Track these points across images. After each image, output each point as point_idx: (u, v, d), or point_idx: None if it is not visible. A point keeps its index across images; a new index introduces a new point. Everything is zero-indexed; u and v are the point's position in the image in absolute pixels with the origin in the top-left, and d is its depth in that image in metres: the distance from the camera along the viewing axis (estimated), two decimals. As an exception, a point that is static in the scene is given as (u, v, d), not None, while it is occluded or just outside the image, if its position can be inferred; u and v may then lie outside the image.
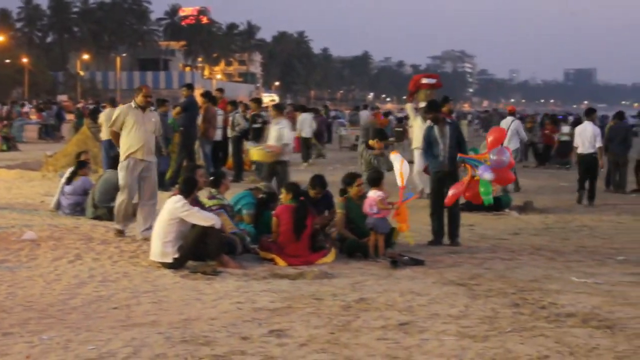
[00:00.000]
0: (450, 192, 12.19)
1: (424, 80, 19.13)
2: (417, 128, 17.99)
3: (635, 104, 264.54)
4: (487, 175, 11.65)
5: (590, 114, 19.94)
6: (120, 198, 12.45)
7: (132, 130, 12.25)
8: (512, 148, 20.32)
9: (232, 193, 12.93)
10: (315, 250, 11.28)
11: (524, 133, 23.79)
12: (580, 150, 19.08)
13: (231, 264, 10.56)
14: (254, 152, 16.54)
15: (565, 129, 31.14)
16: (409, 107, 19.41)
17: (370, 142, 13.50)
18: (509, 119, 23.11)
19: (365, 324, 7.85)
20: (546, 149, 31.85)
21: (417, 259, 11.16)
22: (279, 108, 17.16)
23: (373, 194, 11.53)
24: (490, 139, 11.85)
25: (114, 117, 12.53)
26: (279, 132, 15.83)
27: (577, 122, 27.73)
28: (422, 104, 17.30)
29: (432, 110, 13.09)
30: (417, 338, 7.35)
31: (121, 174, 12.36)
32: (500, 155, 11.86)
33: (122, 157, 12.38)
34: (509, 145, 19.37)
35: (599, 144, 18.82)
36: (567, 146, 28.14)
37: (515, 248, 12.53)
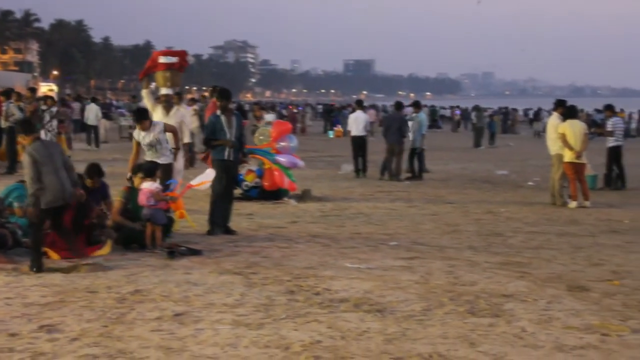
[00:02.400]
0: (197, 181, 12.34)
1: (162, 60, 14.81)
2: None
3: (412, 94, 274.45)
4: (282, 159, 11.90)
5: (360, 104, 26.12)
6: None
7: None
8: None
9: (4, 185, 12.43)
10: (91, 244, 11.01)
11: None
12: (353, 134, 24.09)
13: (1, 259, 10.15)
14: None
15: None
16: (145, 94, 15.05)
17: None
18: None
19: (139, 315, 7.75)
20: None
21: (194, 249, 11.11)
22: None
23: (148, 185, 11.39)
24: (275, 130, 12.10)
25: None
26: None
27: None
28: (164, 91, 14.61)
29: (224, 99, 13.08)
30: (192, 328, 7.33)
31: None
32: (287, 142, 12.17)
33: None
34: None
35: (368, 128, 24.74)
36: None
37: (292, 236, 12.70)
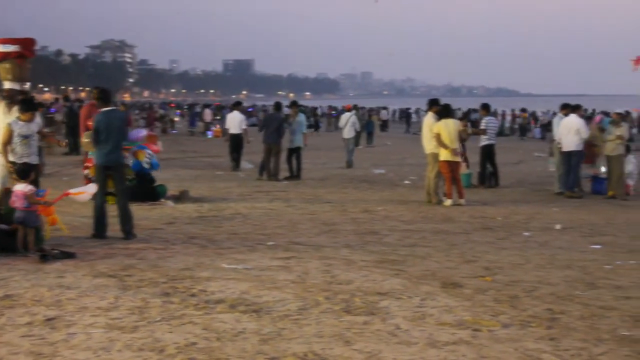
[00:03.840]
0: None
1: None
2: None
3: (291, 94, 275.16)
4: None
5: (237, 104, 27.65)
6: None
7: None
8: (348, 137, 28.93)
9: None
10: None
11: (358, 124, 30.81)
12: (231, 132, 26.24)
13: None
14: None
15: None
16: None
17: None
18: (348, 114, 29.91)
19: (9, 321, 7.53)
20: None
21: (67, 252, 10.86)
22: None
23: (21, 188, 11.09)
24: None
25: None
26: None
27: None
28: (7, 85, 12.69)
29: (101, 100, 12.78)
30: (64, 332, 7.16)
31: None
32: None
33: None
34: (346, 135, 28.92)
35: (244, 126, 26.11)
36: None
37: (169, 237, 12.56)
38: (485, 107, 23.16)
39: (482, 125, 22.24)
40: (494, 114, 44.18)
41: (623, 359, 6.75)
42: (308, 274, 9.89)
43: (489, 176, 21.76)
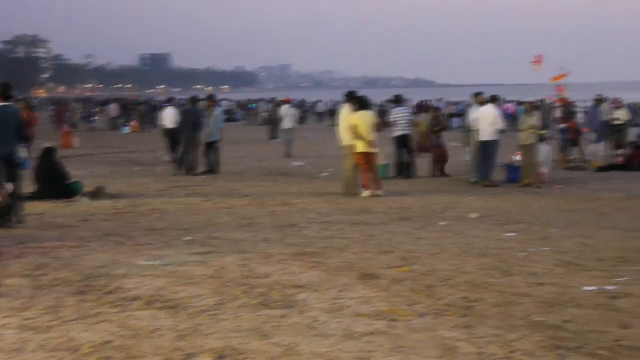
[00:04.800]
0: None
1: None
2: None
3: (209, 88, 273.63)
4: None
5: (170, 100, 28.68)
6: None
7: None
8: (288, 127, 31.35)
9: None
10: None
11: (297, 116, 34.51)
12: (168, 127, 26.12)
13: None
14: None
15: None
16: None
17: None
18: (287, 106, 32.96)
19: None
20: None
21: (-21, 252, 10.63)
22: None
23: None
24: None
25: None
26: None
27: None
28: None
29: (3, 93, 12.70)
30: (-25, 336, 7.01)
31: None
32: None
33: None
34: (286, 126, 31.37)
35: (174, 121, 25.62)
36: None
37: (84, 235, 12.37)
38: (397, 99, 23.34)
39: (393, 117, 22.42)
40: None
41: (536, 344, 6.86)
42: (226, 269, 9.85)
43: (405, 167, 21.92)
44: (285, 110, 32.97)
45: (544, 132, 21.83)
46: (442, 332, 7.17)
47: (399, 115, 22.22)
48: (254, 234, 12.62)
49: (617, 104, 28.60)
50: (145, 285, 8.89)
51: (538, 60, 28.11)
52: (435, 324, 7.45)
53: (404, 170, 21.82)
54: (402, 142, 21.77)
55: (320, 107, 69.96)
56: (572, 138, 25.99)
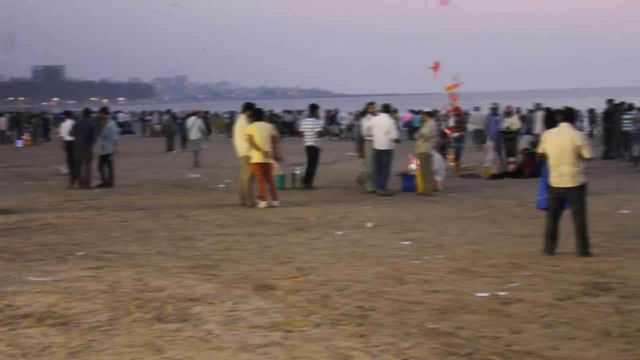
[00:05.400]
0: None
1: None
2: None
3: (105, 100, 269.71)
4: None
5: (68, 113, 26.63)
6: None
7: None
8: (194, 138, 32.18)
9: None
10: None
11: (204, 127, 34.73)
12: (66, 139, 23.91)
13: None
14: None
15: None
16: None
17: None
18: (194, 117, 33.82)
19: None
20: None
21: None
22: None
23: None
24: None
25: None
26: None
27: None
28: None
29: None
30: None
31: None
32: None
33: None
34: (193, 136, 32.33)
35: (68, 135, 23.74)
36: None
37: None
38: (313, 108, 23.13)
39: (302, 127, 22.45)
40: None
41: (429, 351, 6.95)
42: (119, 283, 9.72)
43: (306, 177, 21.86)
44: (191, 121, 33.45)
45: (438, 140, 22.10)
46: (337, 341, 7.20)
47: (307, 125, 22.21)
48: (148, 248, 12.48)
49: (509, 111, 29.23)
50: (36, 302, 8.70)
51: (435, 66, 28.60)
52: (331, 333, 7.47)
53: (308, 180, 21.62)
54: (308, 152, 21.72)
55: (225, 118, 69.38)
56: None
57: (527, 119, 38.17)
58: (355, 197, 19.62)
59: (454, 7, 30.56)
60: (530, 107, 42.02)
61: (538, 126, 31.84)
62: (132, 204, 18.51)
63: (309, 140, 21.81)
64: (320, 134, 22.17)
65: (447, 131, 26.94)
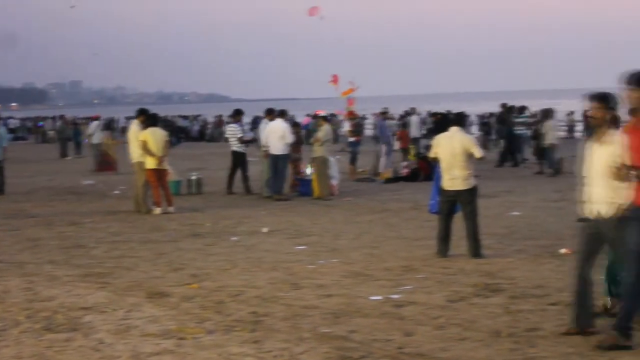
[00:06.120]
0: None
1: None
2: None
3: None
4: None
5: None
6: None
7: None
8: (97, 142, 31.79)
9: None
10: None
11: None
12: None
13: None
14: None
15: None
16: None
17: None
18: (95, 122, 34.32)
19: None
20: None
21: None
22: None
23: None
24: None
25: None
26: None
27: None
28: None
29: None
30: None
31: None
32: None
33: None
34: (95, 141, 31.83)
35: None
36: None
37: None
38: (236, 113, 22.83)
39: (227, 133, 22.41)
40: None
41: (322, 356, 6.98)
42: (8, 293, 9.52)
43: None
44: (94, 126, 33.91)
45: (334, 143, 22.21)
46: (230, 347, 7.18)
47: (230, 131, 22.10)
48: (39, 256, 12.24)
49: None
50: None
51: (334, 80, 28.92)
52: (224, 340, 7.44)
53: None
54: (233, 157, 21.45)
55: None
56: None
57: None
58: (251, 203, 19.58)
59: (321, 17, 31.13)
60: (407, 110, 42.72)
61: (413, 130, 32.58)
62: (24, 211, 18.13)
63: (233, 145, 21.66)
64: (242, 140, 21.88)
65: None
